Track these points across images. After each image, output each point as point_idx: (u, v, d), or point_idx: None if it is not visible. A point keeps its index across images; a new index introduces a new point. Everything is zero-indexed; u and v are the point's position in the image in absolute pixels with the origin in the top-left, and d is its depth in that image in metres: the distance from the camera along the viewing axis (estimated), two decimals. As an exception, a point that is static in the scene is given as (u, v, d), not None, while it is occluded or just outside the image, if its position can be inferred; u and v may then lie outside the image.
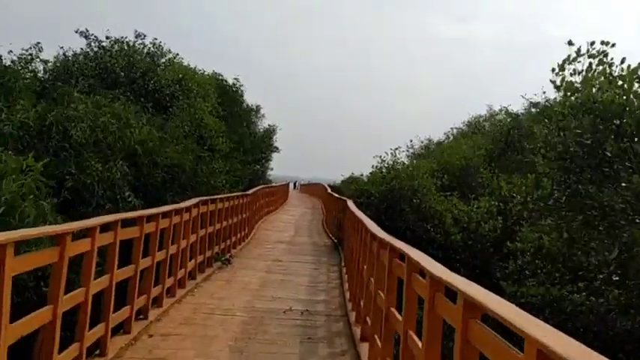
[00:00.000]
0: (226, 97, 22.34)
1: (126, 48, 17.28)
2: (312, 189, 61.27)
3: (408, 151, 35.42)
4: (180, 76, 17.91)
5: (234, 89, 23.57)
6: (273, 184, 40.78)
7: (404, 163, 17.24)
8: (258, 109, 37.46)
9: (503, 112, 33.01)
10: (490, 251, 15.28)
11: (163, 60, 18.80)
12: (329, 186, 56.04)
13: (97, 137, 10.66)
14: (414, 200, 15.81)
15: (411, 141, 35.78)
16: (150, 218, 7.41)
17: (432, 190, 15.91)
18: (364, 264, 8.00)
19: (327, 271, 13.42)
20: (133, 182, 11.55)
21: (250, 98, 37.90)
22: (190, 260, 10.40)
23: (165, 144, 12.87)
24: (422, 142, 35.27)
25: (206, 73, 22.16)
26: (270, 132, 36.91)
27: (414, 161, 17.76)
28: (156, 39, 17.96)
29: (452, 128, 34.06)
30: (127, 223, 6.62)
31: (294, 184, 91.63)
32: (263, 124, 37.98)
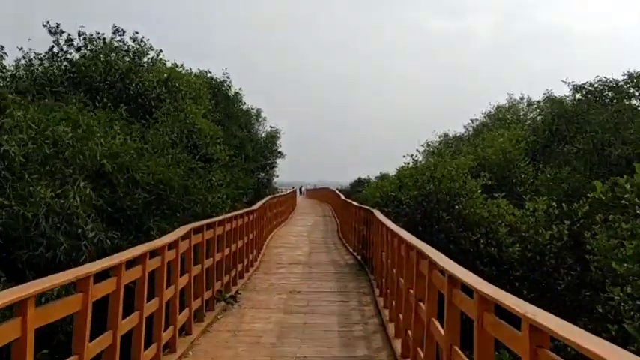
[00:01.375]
0: (220, 97, 19.63)
1: (102, 45, 14.58)
2: (319, 194, 58.55)
3: (427, 148, 32.74)
4: (166, 75, 15.19)
5: (226, 87, 20.76)
6: (281, 193, 38.17)
7: (437, 162, 14.44)
8: (258, 112, 34.85)
9: (537, 100, 30.35)
10: (552, 263, 12.49)
11: (146, 59, 16.10)
12: (338, 190, 53.50)
13: (46, 153, 7.99)
14: (456, 206, 13.07)
15: (424, 143, 33.05)
16: (101, 276, 4.68)
17: (478, 193, 13.14)
18: (420, 301, 5.97)
19: (360, 304, 10.65)
20: (104, 208, 8.85)
21: (250, 103, 35.31)
22: (182, 311, 7.68)
23: (147, 156, 10.15)
24: (439, 138, 32.45)
25: (193, 71, 19.39)
26: (272, 136, 34.23)
27: (445, 158, 14.95)
28: (137, 33, 15.21)
29: (472, 120, 31.24)
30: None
31: (300, 189, 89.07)
32: (265, 128, 35.37)
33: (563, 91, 23.86)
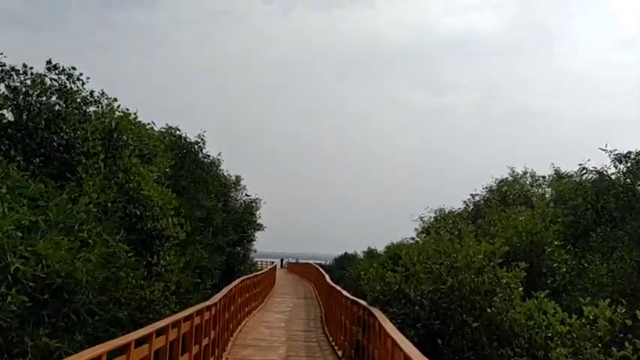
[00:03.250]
0: (189, 159, 16.37)
1: (27, 83, 11.30)
2: (301, 269, 54.45)
3: (422, 224, 29.41)
4: (113, 125, 11.91)
5: (197, 149, 17.52)
6: (258, 271, 34.28)
7: (455, 246, 10.99)
8: (238, 180, 31.55)
9: (542, 175, 27.54)
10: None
11: (94, 108, 12.86)
12: (320, 266, 49.50)
13: None
14: (487, 309, 9.58)
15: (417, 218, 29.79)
16: None
17: (518, 292, 9.70)
18: None
19: None
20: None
21: (234, 170, 32.19)
22: None
23: (37, 235, 6.68)
24: (433, 214, 29.16)
25: (154, 126, 15.96)
26: (251, 207, 30.80)
27: (460, 239, 11.52)
28: (74, 68, 11.82)
29: (472, 195, 28.14)
30: None
31: (281, 261, 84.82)
32: (243, 196, 31.97)
33: (570, 167, 21.18)
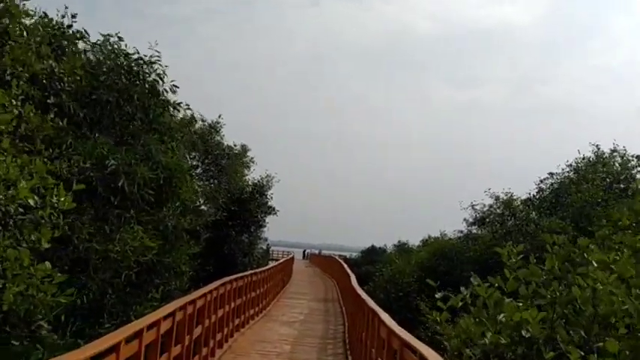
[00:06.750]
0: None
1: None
2: (323, 263, 48.50)
3: (473, 213, 23.27)
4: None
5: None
6: (276, 258, 28.52)
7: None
8: (244, 150, 25.69)
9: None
10: None
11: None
12: (344, 260, 43.44)
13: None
14: None
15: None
16: None
17: None
18: None
19: None
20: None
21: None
22: None
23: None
24: (491, 202, 22.82)
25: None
26: (260, 187, 25.01)
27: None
28: None
29: (551, 174, 21.72)
30: None
31: (304, 252, 79.32)
32: (254, 174, 26.18)
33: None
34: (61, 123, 7.71)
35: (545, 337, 3.78)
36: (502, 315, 4.25)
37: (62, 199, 5.81)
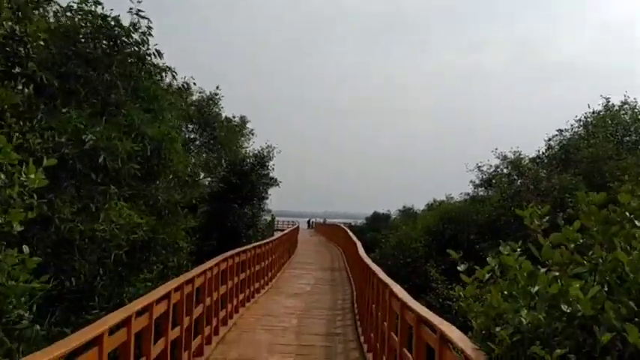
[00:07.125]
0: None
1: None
2: (328, 231, 48.12)
3: (479, 175, 22.61)
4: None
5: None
6: (281, 229, 27.96)
7: None
8: (244, 121, 25.03)
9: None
10: None
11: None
12: (349, 227, 42.91)
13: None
14: None
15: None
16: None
17: None
18: None
19: None
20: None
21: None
22: None
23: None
24: (498, 163, 22.07)
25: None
26: (261, 158, 24.30)
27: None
28: None
29: (559, 131, 20.94)
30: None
31: (309, 222, 79.16)
32: (253, 145, 25.57)
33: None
34: (29, 92, 7.00)
35: (593, 313, 3.16)
36: (536, 288, 3.61)
37: (32, 176, 5.20)
